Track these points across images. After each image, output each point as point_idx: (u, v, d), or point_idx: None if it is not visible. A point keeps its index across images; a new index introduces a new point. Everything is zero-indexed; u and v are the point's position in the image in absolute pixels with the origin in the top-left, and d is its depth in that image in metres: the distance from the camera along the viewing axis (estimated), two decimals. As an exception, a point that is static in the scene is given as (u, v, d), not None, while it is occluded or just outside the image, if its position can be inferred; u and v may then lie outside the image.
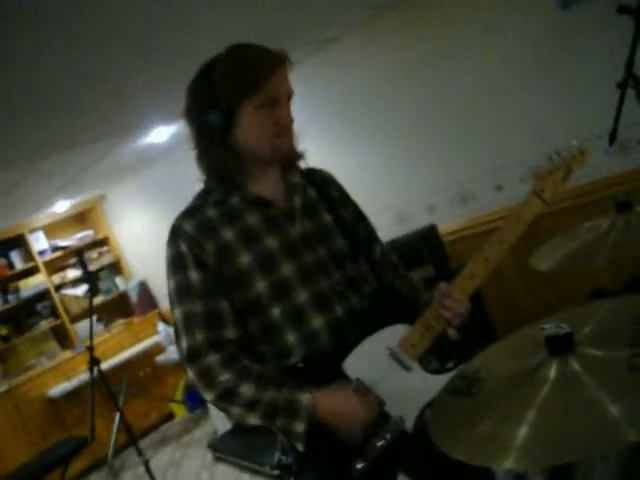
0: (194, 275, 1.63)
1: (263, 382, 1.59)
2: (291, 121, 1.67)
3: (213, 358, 1.60)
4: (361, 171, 4.32)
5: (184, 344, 1.63)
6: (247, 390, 1.57)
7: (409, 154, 4.25)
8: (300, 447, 1.57)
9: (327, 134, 4.40)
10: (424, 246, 3.80)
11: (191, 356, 1.61)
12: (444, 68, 3.83)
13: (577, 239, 1.93)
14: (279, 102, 1.62)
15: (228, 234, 1.66)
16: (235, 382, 1.58)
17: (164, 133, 4.80)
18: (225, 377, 1.58)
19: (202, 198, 1.73)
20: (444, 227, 4.10)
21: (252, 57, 1.61)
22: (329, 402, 1.56)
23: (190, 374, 1.62)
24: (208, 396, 1.61)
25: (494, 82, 3.66)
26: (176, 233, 1.67)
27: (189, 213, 1.70)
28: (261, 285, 1.64)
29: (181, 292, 1.65)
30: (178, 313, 1.65)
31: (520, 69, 3.53)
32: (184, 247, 1.64)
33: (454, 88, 3.84)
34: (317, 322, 1.67)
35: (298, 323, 1.66)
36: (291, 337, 1.67)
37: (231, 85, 1.59)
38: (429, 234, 3.86)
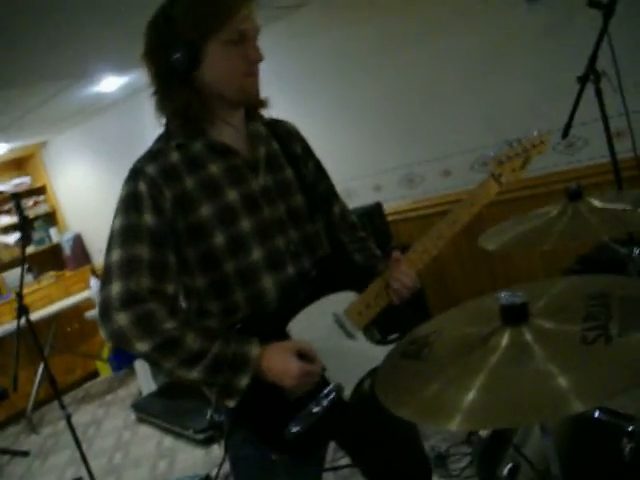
0: (149, 219, 1.53)
1: (209, 334, 1.52)
2: (261, 58, 1.59)
3: (156, 305, 1.48)
4: (311, 142, 4.30)
5: (119, 288, 1.47)
6: (193, 341, 1.48)
7: (360, 131, 4.26)
8: (233, 403, 1.53)
9: (281, 101, 4.33)
10: (368, 223, 3.81)
11: (129, 300, 1.46)
12: (407, 49, 3.83)
13: (526, 223, 1.95)
14: (247, 38, 1.55)
15: (190, 183, 1.58)
16: (181, 331, 1.48)
17: (114, 83, 4.67)
18: (169, 325, 1.47)
19: (164, 141, 1.65)
20: (388, 207, 4.12)
21: None
22: (272, 357, 1.53)
23: (121, 320, 1.45)
24: (143, 345, 1.45)
25: (454, 69, 3.68)
26: (137, 174, 1.57)
27: (152, 156, 1.61)
28: (219, 239, 1.58)
29: (128, 234, 1.52)
30: (118, 255, 1.51)
31: (481, 59, 3.55)
32: (143, 188, 1.54)
33: (414, 71, 3.85)
34: (267, 281, 1.63)
35: (248, 281, 1.62)
36: (239, 295, 1.62)
37: (195, 19, 1.51)
38: (374, 211, 3.88)
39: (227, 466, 3.57)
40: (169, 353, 1.48)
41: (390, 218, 4.08)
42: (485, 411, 0.97)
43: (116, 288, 1.48)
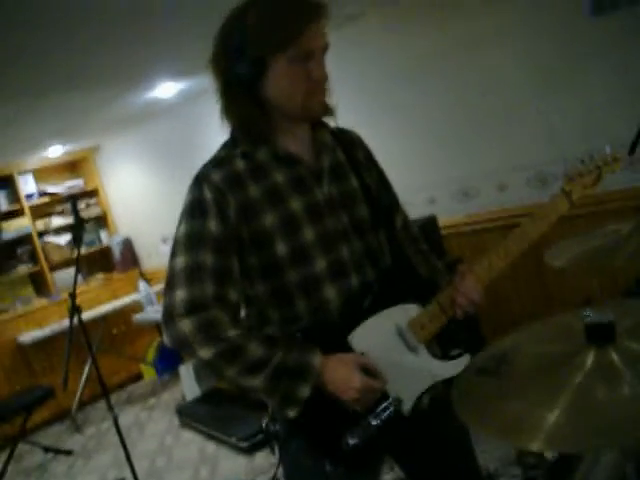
0: (213, 225, 1.52)
1: (271, 342, 1.51)
2: (325, 77, 1.58)
3: (220, 313, 1.49)
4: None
5: (184, 294, 1.48)
6: (256, 349, 1.47)
7: (415, 142, 4.21)
8: (293, 413, 1.50)
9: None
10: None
11: (194, 307, 1.47)
12: (463, 61, 3.77)
13: (595, 240, 1.90)
14: (313, 56, 1.53)
15: (254, 191, 1.57)
16: (244, 339, 1.48)
17: (170, 89, 4.72)
18: (233, 333, 1.47)
19: (229, 148, 1.65)
20: (442, 220, 4.06)
21: (288, 6, 1.50)
22: (335, 369, 1.51)
23: (185, 327, 1.46)
24: (206, 352, 1.46)
25: (513, 81, 3.60)
26: (202, 180, 1.57)
27: (217, 163, 1.61)
28: (281, 248, 1.57)
29: (193, 240, 1.53)
30: (182, 261, 1.52)
31: (542, 71, 3.47)
32: (208, 195, 1.54)
33: (472, 82, 3.78)
34: (330, 292, 1.61)
35: (311, 291, 1.60)
36: (301, 304, 1.60)
37: (263, 35, 1.49)
38: (429, 224, 3.81)
39: (272, 475, 3.55)
40: (232, 360, 1.47)
41: (444, 232, 4.02)
42: (570, 433, 0.93)
43: (180, 295, 1.49)
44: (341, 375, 1.50)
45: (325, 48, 1.57)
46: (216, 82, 1.61)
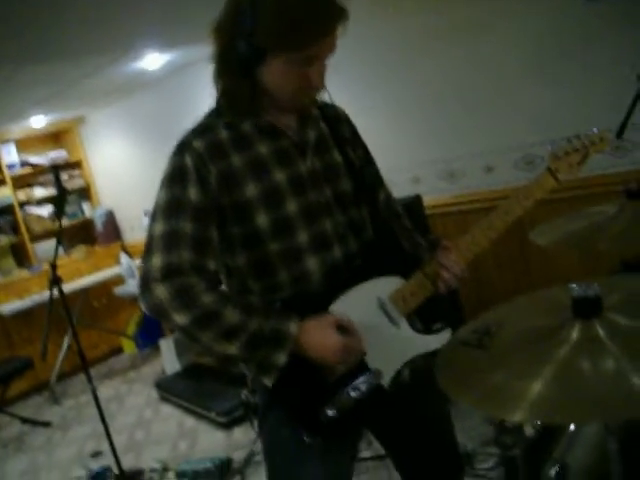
0: (193, 193, 1.51)
1: (248, 309, 1.49)
2: (321, 86, 1.57)
3: (196, 279, 1.47)
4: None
5: (160, 260, 1.46)
6: (231, 315, 1.46)
7: (402, 121, 4.19)
8: (270, 381, 1.51)
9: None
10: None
11: (169, 273, 1.45)
12: (452, 43, 3.74)
13: (580, 221, 1.90)
14: (316, 61, 1.51)
15: (237, 161, 1.56)
16: (219, 305, 1.46)
17: (157, 60, 4.66)
18: (208, 299, 1.46)
19: (214, 117, 1.63)
20: (427, 200, 4.05)
21: (311, 9, 1.43)
22: (311, 331, 1.50)
23: (161, 293, 1.44)
24: (182, 318, 1.44)
25: (503, 65, 3.58)
26: (184, 147, 1.55)
27: (200, 131, 1.59)
28: (263, 219, 1.56)
29: (172, 207, 1.51)
30: (161, 228, 1.50)
31: (532, 56, 3.46)
32: (190, 162, 1.52)
33: (461, 64, 3.76)
34: (312, 263, 1.61)
35: (293, 262, 1.59)
36: (283, 275, 1.60)
37: (274, 30, 1.44)
38: (414, 204, 3.79)
39: (250, 449, 3.56)
40: (207, 326, 1.46)
41: (428, 212, 4.01)
42: (552, 404, 0.94)
43: (157, 261, 1.48)
44: (318, 338, 1.50)
45: (332, 51, 1.53)
46: (214, 48, 1.58)
